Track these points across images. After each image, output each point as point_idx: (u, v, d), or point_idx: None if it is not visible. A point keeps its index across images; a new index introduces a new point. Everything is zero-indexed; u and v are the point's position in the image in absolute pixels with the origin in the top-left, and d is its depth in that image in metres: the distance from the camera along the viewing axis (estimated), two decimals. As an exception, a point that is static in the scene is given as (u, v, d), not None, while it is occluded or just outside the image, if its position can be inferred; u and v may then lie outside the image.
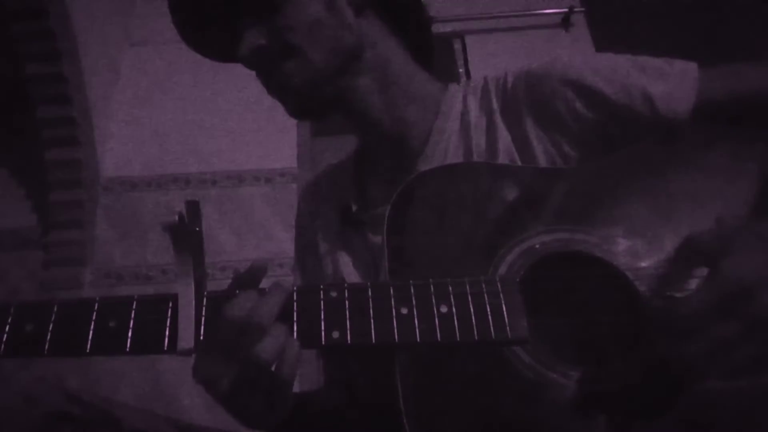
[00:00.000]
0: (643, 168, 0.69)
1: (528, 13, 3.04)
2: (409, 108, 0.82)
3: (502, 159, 0.77)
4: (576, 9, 3.03)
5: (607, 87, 0.73)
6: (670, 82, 0.71)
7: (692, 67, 0.73)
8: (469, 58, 2.97)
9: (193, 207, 0.60)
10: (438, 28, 3.04)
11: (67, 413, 0.70)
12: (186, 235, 0.59)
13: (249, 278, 0.62)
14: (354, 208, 0.85)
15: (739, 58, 0.74)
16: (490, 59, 2.96)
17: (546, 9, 3.05)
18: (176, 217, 0.58)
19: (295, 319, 0.59)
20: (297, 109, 0.81)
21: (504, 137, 0.78)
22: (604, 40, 2.97)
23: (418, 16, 0.87)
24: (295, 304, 0.60)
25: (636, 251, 0.63)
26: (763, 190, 0.63)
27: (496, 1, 3.09)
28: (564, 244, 0.64)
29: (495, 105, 0.81)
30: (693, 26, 2.78)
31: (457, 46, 3.01)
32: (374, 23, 0.82)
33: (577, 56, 0.79)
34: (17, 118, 2.53)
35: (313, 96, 0.79)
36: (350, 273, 0.81)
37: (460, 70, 2.94)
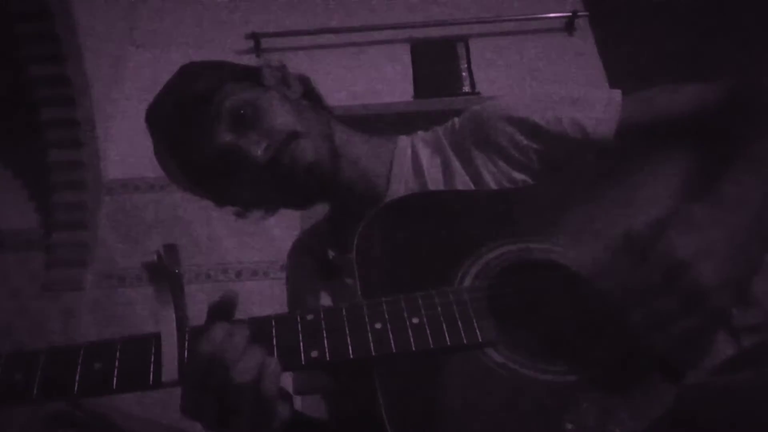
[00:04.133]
0: (587, 182, 0.80)
1: (532, 17, 3.04)
2: (370, 164, 0.91)
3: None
4: (579, 13, 3.03)
5: (541, 119, 0.84)
6: (596, 110, 0.83)
7: (616, 95, 0.85)
8: (472, 62, 2.97)
9: (171, 250, 0.63)
10: (442, 32, 3.05)
11: (69, 417, 0.70)
12: (165, 274, 0.62)
13: (221, 308, 0.64)
14: (331, 255, 0.92)
15: (739, 59, 0.78)
16: (494, 63, 2.96)
17: (549, 13, 3.05)
18: (155, 257, 0.60)
19: (274, 344, 0.62)
20: (315, 190, 0.86)
21: (460, 173, 0.87)
22: (608, 44, 2.97)
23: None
24: (273, 330, 0.63)
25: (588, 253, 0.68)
26: (687, 178, 0.73)
27: (499, 5, 3.09)
28: (523, 254, 0.71)
29: (446, 145, 0.90)
30: (695, 28, 2.78)
31: (461, 49, 3.00)
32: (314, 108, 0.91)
33: (513, 97, 0.92)
34: (20, 119, 2.54)
35: (329, 170, 0.85)
36: None
37: (464, 74, 2.94)
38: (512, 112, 0.85)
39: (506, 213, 0.77)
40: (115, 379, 0.60)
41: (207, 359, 0.59)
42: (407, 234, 0.74)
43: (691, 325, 0.57)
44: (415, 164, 0.91)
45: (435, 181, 0.88)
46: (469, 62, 2.97)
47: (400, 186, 0.89)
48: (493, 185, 0.84)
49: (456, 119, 0.93)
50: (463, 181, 0.86)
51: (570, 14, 3.01)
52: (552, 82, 2.80)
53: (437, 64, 2.97)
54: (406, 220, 0.76)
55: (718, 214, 0.61)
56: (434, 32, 3.03)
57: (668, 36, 2.84)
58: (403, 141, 0.95)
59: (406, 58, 2.98)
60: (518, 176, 0.85)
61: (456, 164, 0.88)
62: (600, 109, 0.83)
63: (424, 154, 0.91)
